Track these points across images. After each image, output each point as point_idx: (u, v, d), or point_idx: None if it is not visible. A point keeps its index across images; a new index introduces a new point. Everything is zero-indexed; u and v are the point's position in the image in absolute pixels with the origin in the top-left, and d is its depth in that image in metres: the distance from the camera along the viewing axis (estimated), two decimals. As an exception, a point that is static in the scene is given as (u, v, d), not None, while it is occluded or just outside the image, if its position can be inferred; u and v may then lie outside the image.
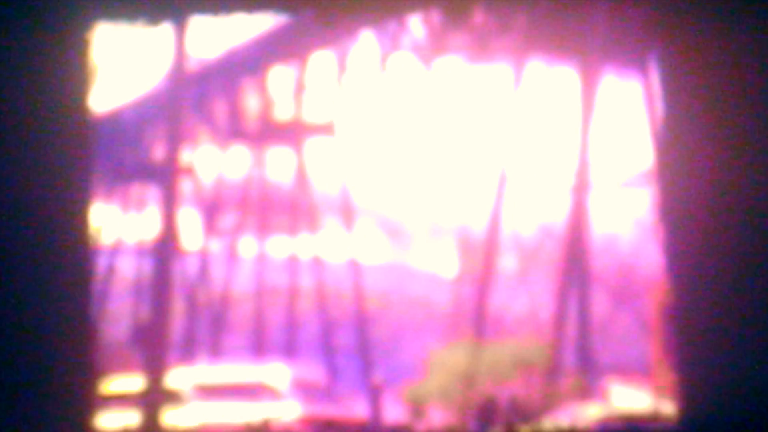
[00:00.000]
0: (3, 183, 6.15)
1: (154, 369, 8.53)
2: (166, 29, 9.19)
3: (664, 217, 6.06)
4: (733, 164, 6.15)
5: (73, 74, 6.30)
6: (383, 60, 9.90)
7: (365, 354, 9.25)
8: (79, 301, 6.05)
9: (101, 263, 9.17)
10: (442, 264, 9.63)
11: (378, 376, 8.99)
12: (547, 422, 8.11)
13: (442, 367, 8.97)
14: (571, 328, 9.15)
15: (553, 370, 8.96)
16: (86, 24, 6.45)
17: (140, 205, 9.37)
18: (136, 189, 9.43)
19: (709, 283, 6.07)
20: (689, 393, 6.02)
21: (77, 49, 6.42)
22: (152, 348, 8.67)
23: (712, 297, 6.04)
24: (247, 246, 9.59)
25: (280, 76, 9.96)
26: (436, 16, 9.27)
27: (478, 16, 9.14)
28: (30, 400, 5.90)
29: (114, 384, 8.50)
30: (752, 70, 6.17)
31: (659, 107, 6.14)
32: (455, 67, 9.59)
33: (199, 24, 9.38)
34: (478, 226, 9.39)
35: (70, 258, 6.08)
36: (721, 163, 6.13)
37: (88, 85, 6.37)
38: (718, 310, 6.01)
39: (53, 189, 6.21)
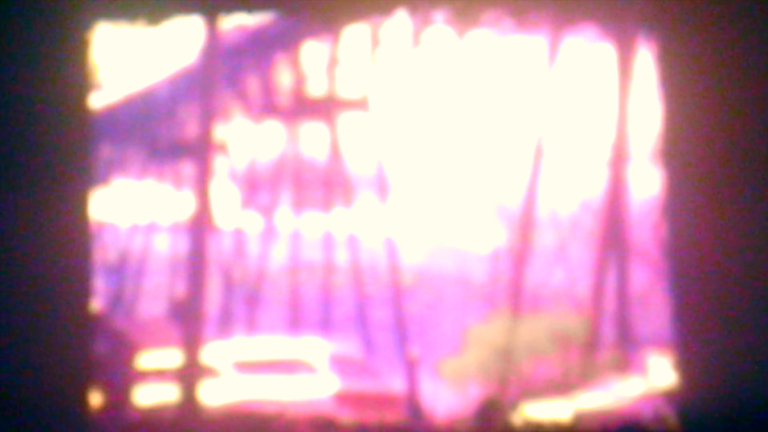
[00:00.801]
0: (2, 184, 6.15)
1: (191, 344, 8.53)
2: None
3: (667, 212, 5.98)
4: (738, 157, 6.09)
5: (73, 74, 6.28)
6: (416, 34, 9.79)
7: (401, 329, 9.19)
8: (78, 293, 6.05)
9: (137, 241, 9.16)
10: (478, 239, 9.55)
11: (414, 351, 8.94)
12: (584, 397, 8.03)
13: (479, 341, 8.90)
14: (610, 301, 9.04)
15: (591, 344, 8.86)
16: (86, 23, 6.41)
17: (175, 182, 9.36)
18: (171, 166, 9.43)
19: (713, 274, 6.03)
20: (689, 385, 5.98)
21: (77, 49, 6.39)
22: (189, 323, 8.68)
23: (716, 290, 5.99)
24: (282, 222, 9.55)
25: (313, 50, 9.89)
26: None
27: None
28: (27, 389, 5.91)
29: (151, 359, 8.52)
30: (755, 63, 6.09)
31: (660, 102, 6.05)
32: (489, 40, 9.47)
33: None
34: (515, 200, 9.30)
35: (70, 259, 6.08)
36: (726, 156, 6.08)
37: (88, 85, 6.35)
38: (720, 304, 5.98)
39: (53, 190, 6.21)
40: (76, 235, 6.15)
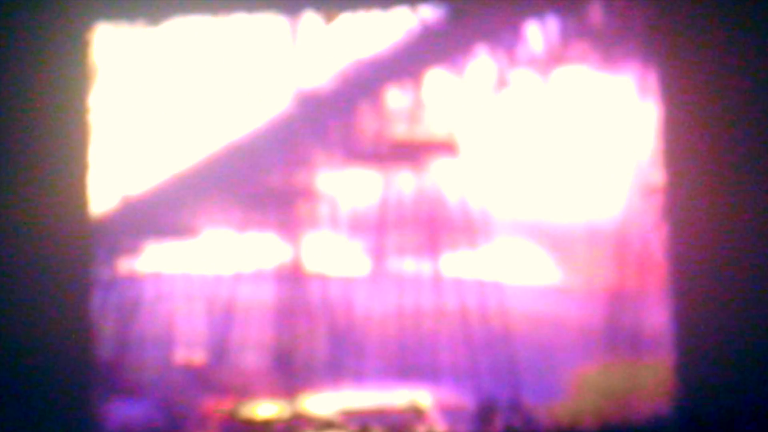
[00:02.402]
0: (8, 181, 6.01)
1: (296, 396, 8.30)
2: (284, 55, 9.07)
3: (667, 218, 5.89)
4: (738, 163, 5.96)
5: (73, 75, 6.16)
6: (501, 74, 9.61)
7: (512, 376, 8.88)
8: (78, 318, 5.86)
9: (240, 291, 9.01)
10: (588, 280, 9.22)
11: (526, 399, 8.62)
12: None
13: (593, 388, 8.55)
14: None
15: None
16: (87, 24, 6.30)
17: (275, 229, 9.21)
18: (268, 215, 9.28)
19: (713, 280, 5.94)
20: (689, 394, 5.91)
21: (78, 50, 6.27)
22: (293, 374, 8.45)
23: (716, 296, 5.92)
24: (387, 268, 9.33)
25: (397, 95, 9.75)
26: (553, 23, 8.94)
27: (596, 17, 8.77)
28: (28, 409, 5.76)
29: (256, 411, 8.30)
30: (754, 67, 5.97)
31: (660, 107, 5.97)
32: (577, 77, 9.23)
33: (315, 49, 9.28)
34: (625, 240, 8.98)
35: (69, 273, 5.92)
36: (726, 163, 5.97)
37: (88, 85, 6.23)
38: (721, 311, 5.90)
39: (53, 192, 6.07)
40: (77, 254, 5.98)
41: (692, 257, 5.94)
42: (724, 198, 5.89)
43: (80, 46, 6.26)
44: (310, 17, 8.51)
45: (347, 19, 8.73)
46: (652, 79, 8.33)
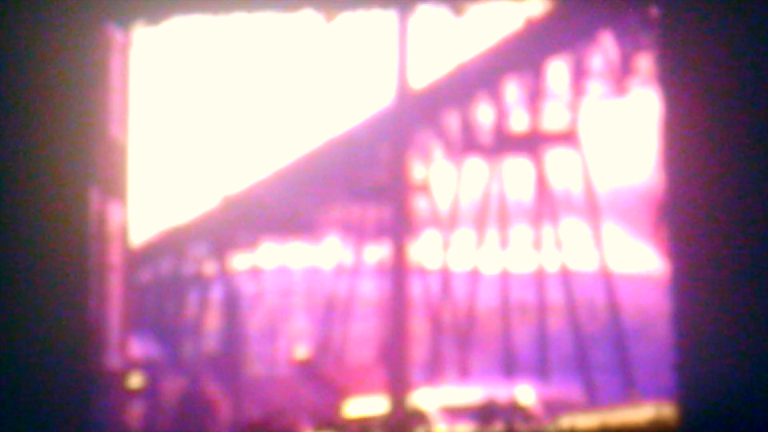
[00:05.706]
0: (8, 181, 6.06)
1: (399, 390, 8.15)
2: (390, 46, 8.95)
3: (667, 216, 5.63)
4: (737, 162, 5.66)
5: (84, 74, 6.16)
6: (625, 61, 9.26)
7: (626, 371, 8.50)
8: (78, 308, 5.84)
9: (342, 285, 8.94)
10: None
11: (640, 395, 8.23)
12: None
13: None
14: None
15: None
16: (96, 26, 6.30)
17: (377, 225, 9.11)
18: (372, 209, 9.18)
19: (712, 280, 5.62)
20: (689, 393, 5.59)
21: (89, 51, 6.28)
22: (396, 369, 8.30)
23: (715, 295, 5.60)
24: (490, 261, 9.10)
25: (515, 85, 9.50)
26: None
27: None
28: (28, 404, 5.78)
29: (358, 406, 8.18)
30: (754, 67, 5.67)
31: (660, 106, 5.75)
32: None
33: (424, 41, 9.13)
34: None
35: (71, 267, 5.92)
36: (725, 162, 5.67)
37: (97, 85, 6.21)
38: (720, 309, 5.58)
39: (56, 191, 6.09)
40: (79, 247, 6.03)
41: (692, 257, 5.83)
42: (725, 198, 5.78)
43: (91, 47, 6.34)
44: (420, 13, 8.41)
45: (470, 10, 8.59)
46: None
